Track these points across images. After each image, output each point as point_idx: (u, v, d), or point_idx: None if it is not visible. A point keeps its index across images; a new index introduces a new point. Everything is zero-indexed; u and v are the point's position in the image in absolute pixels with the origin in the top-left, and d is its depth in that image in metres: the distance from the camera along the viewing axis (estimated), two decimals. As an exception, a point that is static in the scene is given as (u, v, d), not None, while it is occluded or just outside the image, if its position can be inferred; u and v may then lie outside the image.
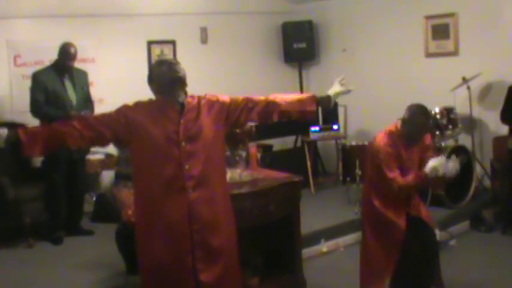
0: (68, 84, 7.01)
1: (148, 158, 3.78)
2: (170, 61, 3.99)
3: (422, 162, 5.16)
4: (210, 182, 3.86)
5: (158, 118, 3.79)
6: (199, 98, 3.96)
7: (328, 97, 4.29)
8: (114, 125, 3.81)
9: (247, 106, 4.10)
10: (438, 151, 7.61)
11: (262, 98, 4.19)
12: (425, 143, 5.29)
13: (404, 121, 5.11)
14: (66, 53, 6.93)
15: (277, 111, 4.17)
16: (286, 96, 4.25)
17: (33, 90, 6.91)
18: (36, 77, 6.94)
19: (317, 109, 4.27)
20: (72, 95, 7.01)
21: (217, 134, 3.95)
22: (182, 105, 3.85)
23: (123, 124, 3.80)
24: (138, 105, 3.90)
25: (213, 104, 3.98)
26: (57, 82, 6.93)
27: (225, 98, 4.09)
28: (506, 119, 7.21)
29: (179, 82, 3.87)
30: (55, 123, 3.88)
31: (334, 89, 4.34)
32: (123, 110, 3.87)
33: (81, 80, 7.18)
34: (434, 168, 4.91)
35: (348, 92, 4.34)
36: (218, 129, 3.96)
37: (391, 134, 5.17)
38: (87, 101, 7.20)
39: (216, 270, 3.87)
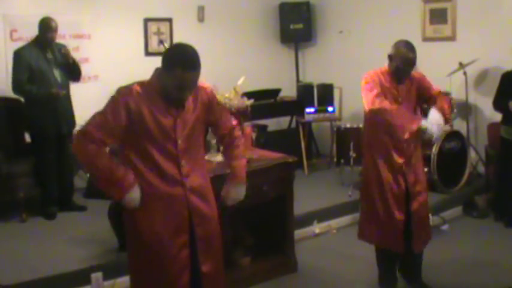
0: (51, 59, 6.98)
1: (144, 147, 3.70)
2: (192, 65, 3.58)
3: (422, 94, 5.29)
4: (200, 174, 3.88)
5: (156, 110, 3.65)
6: (197, 89, 3.81)
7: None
8: (119, 127, 3.66)
9: (225, 133, 4.15)
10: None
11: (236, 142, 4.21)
12: (416, 77, 5.28)
13: (390, 57, 5.13)
14: (46, 27, 6.88)
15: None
16: (240, 157, 4.24)
17: (16, 68, 6.86)
18: (18, 55, 6.89)
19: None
20: (56, 70, 6.99)
21: (202, 128, 3.94)
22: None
23: (124, 118, 3.62)
24: (137, 91, 3.65)
25: (207, 101, 3.89)
26: (41, 58, 6.90)
27: (222, 104, 4.19)
28: (498, 107, 7.22)
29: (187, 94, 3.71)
30: (106, 158, 3.77)
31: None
32: (120, 101, 3.62)
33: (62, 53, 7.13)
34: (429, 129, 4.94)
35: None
36: (203, 124, 3.93)
37: (378, 71, 5.22)
38: (73, 70, 7.16)
39: (214, 260, 3.93)
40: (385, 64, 5.22)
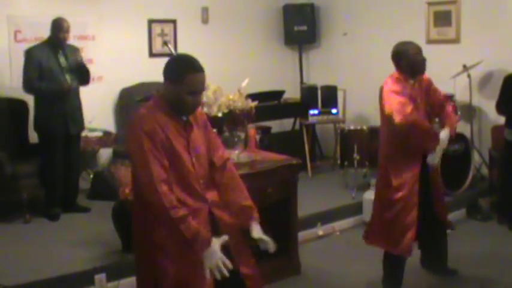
0: (62, 60, 7.00)
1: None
2: (200, 67, 3.66)
3: (432, 97, 5.40)
4: (214, 188, 3.95)
5: (169, 133, 3.65)
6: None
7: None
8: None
9: (221, 163, 4.03)
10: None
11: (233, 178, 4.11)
12: (425, 79, 5.40)
13: (399, 56, 5.22)
14: (58, 27, 6.92)
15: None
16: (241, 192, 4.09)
17: (26, 66, 6.90)
18: (29, 53, 6.93)
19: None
20: (66, 71, 7.00)
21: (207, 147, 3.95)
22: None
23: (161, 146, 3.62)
24: (150, 118, 3.63)
25: (205, 123, 3.95)
26: (52, 58, 6.93)
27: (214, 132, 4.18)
28: (502, 110, 7.21)
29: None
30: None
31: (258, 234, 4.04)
32: (148, 133, 3.58)
33: (74, 56, 7.16)
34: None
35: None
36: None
37: (394, 77, 5.26)
38: (83, 73, 7.16)
39: (249, 260, 4.04)
40: (392, 72, 5.30)
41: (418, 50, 5.23)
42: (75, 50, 7.21)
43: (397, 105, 5.06)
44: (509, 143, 7.07)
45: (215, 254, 3.59)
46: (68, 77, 6.99)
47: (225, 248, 3.77)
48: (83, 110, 7.26)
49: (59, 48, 7.00)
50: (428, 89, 5.38)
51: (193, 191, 3.74)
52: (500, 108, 7.20)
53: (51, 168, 7.04)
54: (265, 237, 4.00)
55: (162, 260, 3.72)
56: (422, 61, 5.25)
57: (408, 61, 5.19)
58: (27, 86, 6.91)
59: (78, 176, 7.49)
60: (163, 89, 3.71)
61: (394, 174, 5.27)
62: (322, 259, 6.43)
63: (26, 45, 7.18)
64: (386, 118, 5.21)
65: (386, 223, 5.36)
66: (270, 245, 4.01)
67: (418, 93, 5.26)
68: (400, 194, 5.23)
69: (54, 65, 6.93)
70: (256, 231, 4.00)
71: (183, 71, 3.60)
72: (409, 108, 5.03)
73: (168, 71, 3.67)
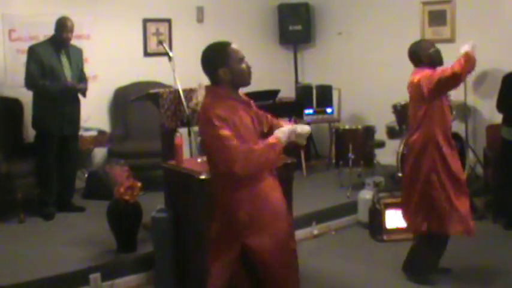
0: (64, 59, 7.01)
1: None
2: (237, 46, 4.06)
3: None
4: None
5: (240, 113, 3.88)
6: None
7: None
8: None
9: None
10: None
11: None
12: None
13: (420, 53, 5.51)
14: (62, 26, 6.92)
15: None
16: None
17: (29, 63, 6.90)
18: (32, 50, 6.93)
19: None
20: (67, 70, 7.01)
21: None
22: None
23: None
24: (220, 104, 3.84)
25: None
26: (54, 57, 6.93)
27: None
28: (501, 108, 7.21)
29: None
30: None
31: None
32: (224, 119, 3.77)
33: (76, 57, 7.18)
34: None
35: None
36: None
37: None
38: (81, 78, 7.18)
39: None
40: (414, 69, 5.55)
41: (432, 44, 5.57)
42: (79, 52, 7.26)
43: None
44: (507, 141, 7.05)
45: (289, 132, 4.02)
46: (69, 77, 6.99)
47: None
48: (81, 112, 7.27)
49: (61, 48, 7.00)
50: None
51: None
52: (501, 107, 7.21)
53: (45, 167, 7.03)
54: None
55: (247, 235, 3.93)
56: (439, 53, 5.56)
57: (428, 56, 5.49)
58: (30, 82, 6.91)
59: (74, 176, 7.48)
60: (212, 82, 3.96)
61: (451, 158, 5.47)
62: (317, 258, 6.41)
63: (21, 44, 7.18)
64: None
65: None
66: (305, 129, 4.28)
67: None
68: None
69: (56, 63, 6.93)
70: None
71: (222, 49, 3.95)
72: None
73: (210, 62, 3.93)
